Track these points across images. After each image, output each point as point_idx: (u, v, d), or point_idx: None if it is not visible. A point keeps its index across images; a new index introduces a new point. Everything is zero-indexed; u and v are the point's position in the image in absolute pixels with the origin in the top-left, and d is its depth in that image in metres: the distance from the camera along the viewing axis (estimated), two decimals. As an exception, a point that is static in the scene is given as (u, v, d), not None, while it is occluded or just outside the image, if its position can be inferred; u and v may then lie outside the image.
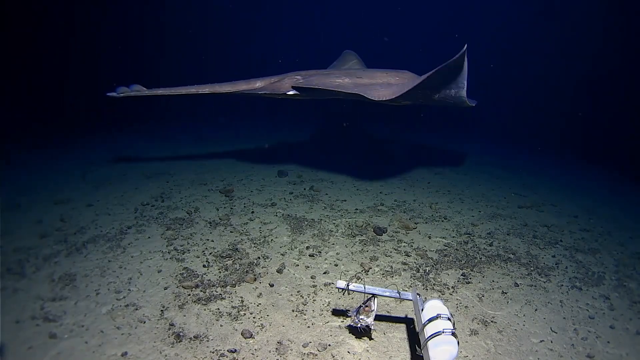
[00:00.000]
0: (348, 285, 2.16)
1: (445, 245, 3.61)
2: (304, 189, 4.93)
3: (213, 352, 2.12)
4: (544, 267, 3.38)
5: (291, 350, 2.17)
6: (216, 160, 6.31)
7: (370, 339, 2.29)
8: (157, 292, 2.65)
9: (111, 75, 11.12)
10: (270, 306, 2.56)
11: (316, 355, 2.14)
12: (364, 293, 2.18)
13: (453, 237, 3.82)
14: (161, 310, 2.46)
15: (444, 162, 7.05)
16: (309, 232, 3.68)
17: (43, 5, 11.55)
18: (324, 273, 3.00)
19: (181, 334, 2.24)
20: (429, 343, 1.80)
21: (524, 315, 2.67)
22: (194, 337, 2.23)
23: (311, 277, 2.93)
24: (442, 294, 2.82)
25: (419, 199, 4.85)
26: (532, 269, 3.32)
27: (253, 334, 2.28)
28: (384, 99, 3.72)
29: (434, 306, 1.96)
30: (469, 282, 3.00)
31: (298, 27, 19.92)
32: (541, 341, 2.42)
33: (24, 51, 10.77)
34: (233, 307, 2.52)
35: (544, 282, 3.13)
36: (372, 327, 2.21)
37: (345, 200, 4.58)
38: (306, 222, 3.88)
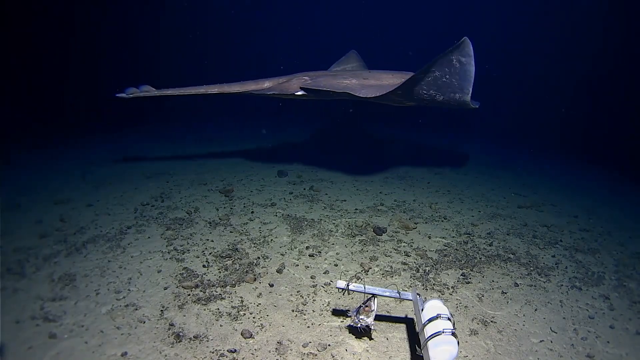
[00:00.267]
0: (348, 285, 2.16)
1: (445, 245, 3.61)
2: (304, 189, 4.93)
3: (213, 352, 2.12)
4: (543, 267, 3.38)
5: (291, 350, 2.17)
6: (217, 160, 6.31)
7: (370, 339, 2.29)
8: (157, 292, 2.65)
9: (111, 75, 11.15)
10: (270, 306, 2.56)
11: (316, 355, 2.14)
12: (364, 293, 2.18)
13: (453, 237, 3.82)
14: (161, 310, 2.46)
15: (444, 162, 7.05)
16: (309, 232, 3.68)
17: (43, 5, 11.54)
18: (324, 273, 3.00)
19: (181, 334, 2.24)
20: (429, 343, 1.80)
21: (524, 315, 2.67)
22: (194, 337, 2.23)
23: (311, 277, 2.93)
24: (442, 294, 2.82)
25: (418, 199, 4.85)
26: (532, 269, 3.32)
27: (253, 334, 2.28)
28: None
29: (434, 306, 1.96)
30: (468, 282, 3.01)
31: (298, 27, 19.93)
32: (541, 341, 2.42)
33: (24, 51, 10.76)
34: (233, 307, 2.52)
35: (544, 282, 3.13)
36: (372, 327, 2.22)
37: (345, 200, 4.58)
38: (306, 222, 3.88)
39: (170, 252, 3.19)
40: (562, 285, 3.12)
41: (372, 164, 6.59)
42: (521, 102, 12.97)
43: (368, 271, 3.07)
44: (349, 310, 2.30)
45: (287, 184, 5.14)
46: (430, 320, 1.88)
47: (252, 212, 4.08)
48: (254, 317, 2.44)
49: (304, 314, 2.49)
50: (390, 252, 3.40)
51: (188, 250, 3.24)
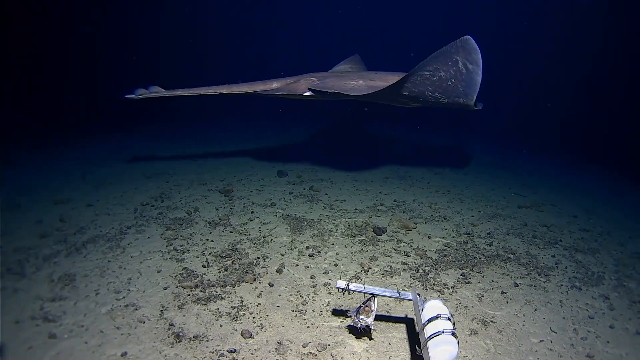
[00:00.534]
0: (348, 285, 2.16)
1: (445, 245, 3.61)
2: (304, 189, 4.93)
3: (213, 352, 2.12)
4: (543, 267, 3.38)
5: (291, 350, 2.17)
6: (217, 160, 6.31)
7: (370, 339, 2.29)
8: (156, 292, 2.65)
9: (111, 75, 11.15)
10: (269, 306, 2.56)
11: (316, 355, 2.14)
12: (364, 293, 2.19)
13: (453, 237, 3.82)
14: (161, 311, 2.46)
15: (444, 162, 7.04)
16: (309, 232, 3.68)
17: (43, 5, 11.54)
18: (324, 273, 3.00)
19: (181, 334, 2.24)
20: (429, 343, 1.80)
21: (524, 315, 2.67)
22: (194, 337, 2.23)
23: (311, 277, 2.93)
24: (442, 294, 2.82)
25: (418, 198, 4.85)
26: (531, 268, 3.32)
27: (253, 334, 2.28)
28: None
29: (434, 306, 1.97)
30: (468, 282, 3.01)
31: (298, 27, 19.93)
32: (541, 341, 2.43)
33: (24, 51, 10.76)
34: (233, 307, 2.52)
35: (544, 282, 3.13)
36: (372, 327, 2.22)
37: (344, 200, 4.58)
38: (306, 222, 3.88)
39: (170, 252, 3.19)
40: (561, 285, 3.12)
41: (372, 164, 6.59)
42: (521, 102, 12.97)
43: (368, 271, 3.07)
44: (349, 310, 2.30)
45: (287, 184, 5.14)
46: (430, 320, 1.88)
47: (252, 212, 4.08)
48: (253, 317, 2.44)
49: (304, 314, 2.49)
50: (390, 252, 3.40)
51: (188, 250, 3.24)
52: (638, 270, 3.52)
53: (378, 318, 2.43)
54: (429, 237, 3.76)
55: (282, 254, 3.25)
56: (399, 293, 2.19)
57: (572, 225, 4.46)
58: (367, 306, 2.20)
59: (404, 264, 3.21)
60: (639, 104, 11.04)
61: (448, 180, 5.83)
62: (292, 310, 2.53)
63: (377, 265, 3.16)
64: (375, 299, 2.23)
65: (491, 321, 2.56)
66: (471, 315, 2.61)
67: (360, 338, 2.29)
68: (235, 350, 2.14)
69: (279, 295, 2.68)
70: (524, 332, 2.49)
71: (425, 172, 6.16)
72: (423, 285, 2.92)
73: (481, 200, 5.02)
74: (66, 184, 4.75)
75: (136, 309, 2.46)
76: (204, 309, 2.49)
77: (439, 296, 2.79)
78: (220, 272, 2.93)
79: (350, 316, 2.22)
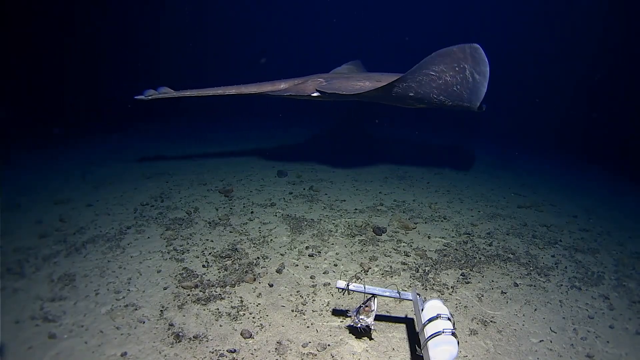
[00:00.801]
0: (348, 285, 2.16)
1: (445, 245, 3.61)
2: (304, 189, 4.93)
3: (212, 352, 2.12)
4: (543, 267, 3.38)
5: (291, 350, 2.17)
6: (216, 160, 6.31)
7: (370, 339, 2.29)
8: (156, 292, 2.65)
9: (111, 75, 11.15)
10: (269, 306, 2.56)
11: (316, 355, 2.14)
12: (364, 293, 2.18)
13: (452, 237, 3.82)
14: (161, 311, 2.46)
15: (444, 162, 7.04)
16: (309, 232, 3.68)
17: (43, 5, 11.54)
18: (324, 273, 3.00)
19: (181, 334, 2.24)
20: (429, 343, 1.80)
21: (524, 315, 2.67)
22: (194, 337, 2.23)
23: (310, 277, 2.93)
24: (442, 294, 2.82)
25: (418, 198, 4.85)
26: (531, 268, 3.32)
27: (252, 334, 2.28)
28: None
29: (434, 306, 1.96)
30: (468, 282, 3.01)
31: (298, 28, 19.93)
32: (540, 341, 2.43)
33: (24, 51, 10.76)
34: (232, 307, 2.52)
35: (544, 282, 3.13)
36: (372, 327, 2.21)
37: (344, 200, 4.58)
38: (305, 222, 3.88)
39: (170, 252, 3.19)
40: (561, 285, 3.12)
41: (372, 164, 6.59)
42: (521, 102, 12.97)
43: (368, 271, 3.07)
44: (348, 310, 2.30)
45: (286, 184, 5.14)
46: (430, 320, 1.88)
47: (252, 212, 4.08)
48: (253, 317, 2.44)
49: (304, 314, 2.49)
50: (390, 252, 3.40)
51: (188, 250, 3.24)
52: (638, 270, 3.53)
53: (378, 318, 2.43)
54: (429, 237, 3.76)
55: (281, 254, 3.25)
56: (399, 293, 2.19)
57: (572, 225, 4.46)
58: (367, 306, 2.20)
59: (404, 264, 3.21)
60: (639, 104, 11.04)
61: (448, 180, 5.83)
62: (292, 310, 2.53)
63: (377, 265, 3.16)
64: (375, 299, 2.23)
65: (491, 321, 2.56)
66: (471, 315, 2.61)
67: (360, 338, 2.29)
68: (235, 350, 2.14)
69: (279, 295, 2.68)
70: (524, 332, 2.49)
71: (425, 172, 6.16)
72: (423, 285, 2.92)
73: (481, 200, 5.02)
74: (66, 184, 4.75)
75: (136, 309, 2.46)
76: (204, 309, 2.49)
77: (438, 296, 2.79)
78: (220, 272, 2.93)
79: (350, 316, 2.22)
